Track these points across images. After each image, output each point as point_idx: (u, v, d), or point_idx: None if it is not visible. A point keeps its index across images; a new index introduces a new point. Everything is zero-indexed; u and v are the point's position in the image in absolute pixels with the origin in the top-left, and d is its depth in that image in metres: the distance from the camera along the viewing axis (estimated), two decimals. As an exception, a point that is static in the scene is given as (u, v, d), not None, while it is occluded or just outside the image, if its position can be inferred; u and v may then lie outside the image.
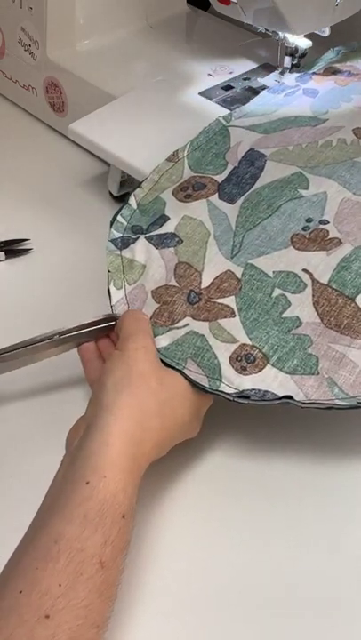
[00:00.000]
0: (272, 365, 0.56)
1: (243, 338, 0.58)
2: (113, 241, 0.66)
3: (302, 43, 0.81)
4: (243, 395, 0.56)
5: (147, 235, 0.66)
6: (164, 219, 0.66)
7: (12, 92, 0.97)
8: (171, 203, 0.68)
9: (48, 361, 0.62)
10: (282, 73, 0.83)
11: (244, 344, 0.58)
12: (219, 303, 0.60)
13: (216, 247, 0.63)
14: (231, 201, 0.66)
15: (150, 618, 0.51)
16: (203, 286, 0.61)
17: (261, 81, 0.84)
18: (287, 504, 0.58)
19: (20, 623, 0.42)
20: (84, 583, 0.44)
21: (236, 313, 0.59)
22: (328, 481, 0.59)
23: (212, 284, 0.61)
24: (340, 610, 0.52)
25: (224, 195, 0.67)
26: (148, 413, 0.52)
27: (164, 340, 0.59)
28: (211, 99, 0.82)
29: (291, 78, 0.81)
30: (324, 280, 0.59)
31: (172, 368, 0.57)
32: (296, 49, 0.82)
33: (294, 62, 0.83)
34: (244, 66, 0.87)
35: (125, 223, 0.67)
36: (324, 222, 0.62)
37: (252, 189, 0.66)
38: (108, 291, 0.63)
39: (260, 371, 0.56)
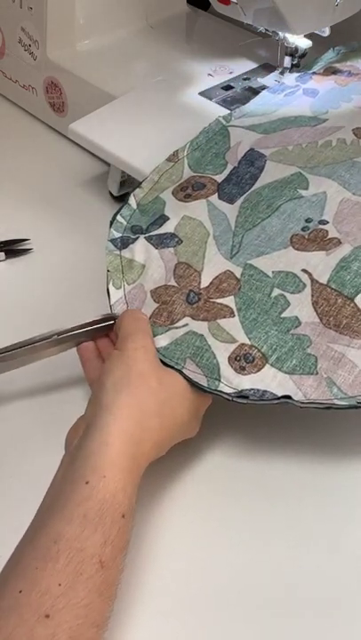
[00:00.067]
0: (271, 365, 0.56)
1: (242, 338, 0.58)
2: (112, 241, 0.66)
3: (302, 43, 0.81)
4: (242, 394, 0.56)
5: (146, 235, 0.66)
6: (163, 219, 0.66)
7: (12, 91, 0.97)
8: (170, 203, 0.68)
9: (47, 361, 0.62)
10: (282, 73, 0.83)
11: (243, 344, 0.57)
12: (218, 303, 0.60)
13: (215, 247, 0.63)
14: (231, 201, 0.66)
15: (150, 618, 0.51)
16: (202, 286, 0.61)
17: (261, 81, 0.84)
18: (287, 504, 0.58)
19: (20, 623, 0.42)
20: (83, 583, 0.44)
21: (236, 313, 0.59)
22: (328, 481, 0.59)
23: (211, 284, 0.61)
24: (340, 610, 0.52)
25: (224, 195, 0.67)
26: (148, 413, 0.52)
27: (163, 340, 0.59)
28: (211, 99, 0.82)
29: (291, 78, 0.81)
30: (324, 280, 0.59)
31: (172, 368, 0.57)
32: (296, 49, 0.82)
33: (294, 62, 0.83)
34: (244, 66, 0.87)
35: (125, 223, 0.67)
36: (324, 222, 0.62)
37: (252, 189, 0.66)
38: (108, 290, 0.63)
39: (258, 370, 0.56)
